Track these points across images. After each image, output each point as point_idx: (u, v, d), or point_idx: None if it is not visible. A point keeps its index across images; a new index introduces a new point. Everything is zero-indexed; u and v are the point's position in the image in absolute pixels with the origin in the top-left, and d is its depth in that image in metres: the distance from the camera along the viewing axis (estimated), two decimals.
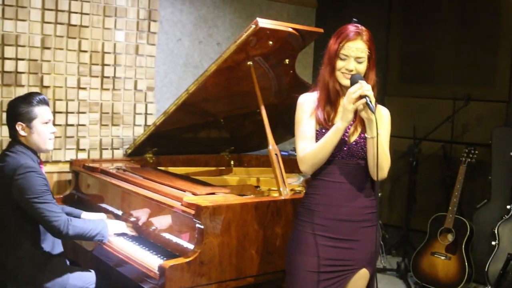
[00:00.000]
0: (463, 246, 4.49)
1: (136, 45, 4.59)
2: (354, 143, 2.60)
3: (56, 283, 3.06)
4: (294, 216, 2.80)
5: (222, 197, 3.01)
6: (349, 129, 2.57)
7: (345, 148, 2.59)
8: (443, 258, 4.55)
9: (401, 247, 5.24)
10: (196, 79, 3.58)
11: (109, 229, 3.22)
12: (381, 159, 2.50)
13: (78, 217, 3.48)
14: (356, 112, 2.49)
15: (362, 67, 2.56)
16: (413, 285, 4.68)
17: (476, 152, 4.70)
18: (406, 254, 4.98)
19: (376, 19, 5.58)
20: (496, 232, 4.45)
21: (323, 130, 2.60)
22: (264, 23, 3.16)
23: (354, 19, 2.64)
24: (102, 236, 3.13)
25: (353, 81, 2.47)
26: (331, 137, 2.51)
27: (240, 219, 2.86)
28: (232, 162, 4.62)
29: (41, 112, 3.06)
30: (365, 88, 2.41)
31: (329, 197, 2.61)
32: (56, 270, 3.09)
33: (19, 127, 3.03)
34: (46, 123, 3.09)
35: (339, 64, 2.56)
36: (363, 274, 2.67)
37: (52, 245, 3.14)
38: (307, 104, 2.68)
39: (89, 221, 3.19)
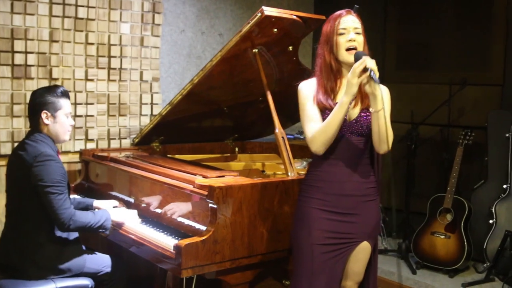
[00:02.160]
0: (462, 225, 4.57)
1: (141, 37, 4.65)
2: (354, 120, 2.68)
3: (74, 266, 3.12)
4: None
5: (232, 179, 3.09)
6: (349, 107, 2.61)
7: (345, 126, 2.67)
8: (442, 237, 4.62)
9: (401, 229, 5.32)
10: (203, 67, 3.62)
11: (120, 219, 3.28)
12: (386, 132, 2.56)
13: (90, 205, 3.51)
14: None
15: (361, 39, 2.66)
16: (414, 265, 4.73)
17: (473, 134, 4.75)
18: (407, 236, 5.03)
19: (373, 6, 5.65)
20: (493, 211, 4.58)
21: (324, 113, 2.69)
22: (269, 11, 3.24)
23: (356, 6, 2.76)
24: (104, 228, 3.16)
25: (357, 57, 2.52)
26: (337, 112, 2.56)
27: (251, 199, 2.95)
28: (236, 149, 4.69)
29: (65, 104, 3.15)
30: (369, 61, 2.47)
31: (331, 174, 2.71)
32: (74, 254, 3.15)
33: (44, 115, 3.08)
34: (67, 115, 3.17)
35: (340, 40, 2.65)
36: (364, 246, 2.78)
37: None
38: (308, 90, 2.75)
39: (92, 213, 3.18)
